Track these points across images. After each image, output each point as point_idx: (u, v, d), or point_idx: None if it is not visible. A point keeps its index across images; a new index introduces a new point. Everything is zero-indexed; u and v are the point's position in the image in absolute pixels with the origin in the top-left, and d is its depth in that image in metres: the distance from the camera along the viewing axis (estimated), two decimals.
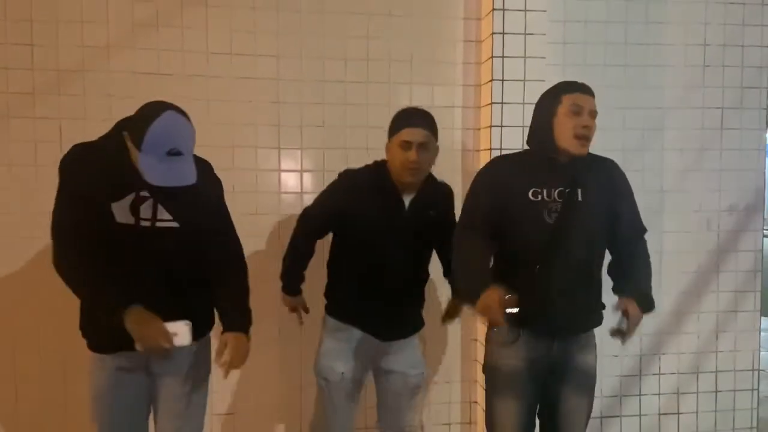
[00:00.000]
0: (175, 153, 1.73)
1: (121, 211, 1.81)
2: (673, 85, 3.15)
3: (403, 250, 2.20)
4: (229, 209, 2.75)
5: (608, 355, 3.13)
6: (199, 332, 1.97)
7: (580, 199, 1.99)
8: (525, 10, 2.80)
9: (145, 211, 1.83)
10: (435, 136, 2.20)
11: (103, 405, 1.93)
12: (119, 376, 1.91)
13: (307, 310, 2.45)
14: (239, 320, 1.95)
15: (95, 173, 1.80)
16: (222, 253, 1.99)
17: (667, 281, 3.17)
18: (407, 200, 2.20)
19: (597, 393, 3.01)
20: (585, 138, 1.97)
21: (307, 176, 2.92)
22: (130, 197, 1.82)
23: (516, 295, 1.94)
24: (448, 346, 3.05)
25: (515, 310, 1.97)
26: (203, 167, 1.99)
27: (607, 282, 2.12)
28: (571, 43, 3.04)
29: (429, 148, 2.16)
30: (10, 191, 2.70)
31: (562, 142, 1.98)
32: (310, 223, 2.36)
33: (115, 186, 1.81)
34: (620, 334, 2.02)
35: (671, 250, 3.18)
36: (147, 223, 1.83)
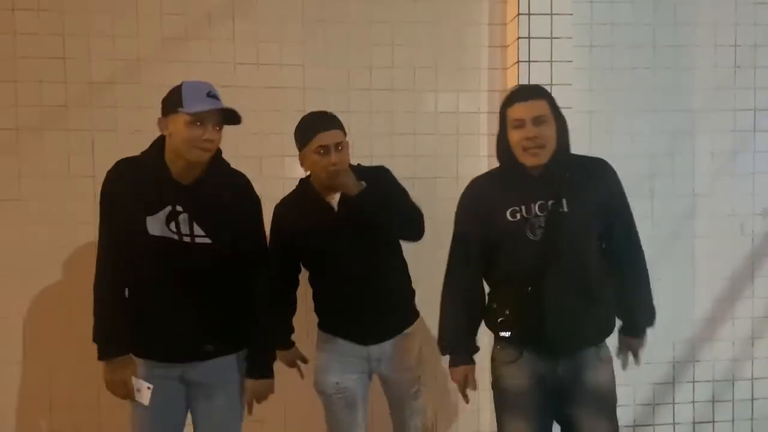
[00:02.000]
0: (213, 95, 1.86)
1: (155, 225, 1.85)
2: (703, 87, 3.10)
3: (349, 250, 2.11)
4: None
5: (641, 362, 3.08)
6: (232, 347, 2.01)
7: (565, 209, 1.89)
8: (551, 14, 2.79)
9: (179, 225, 1.87)
10: (344, 132, 2.13)
11: (140, 411, 1.96)
12: (154, 383, 1.94)
13: (305, 361, 2.40)
14: (259, 367, 2.02)
15: (132, 188, 1.86)
16: (251, 280, 2.00)
17: (700, 287, 3.12)
18: (334, 202, 2.14)
19: (630, 402, 3.01)
20: (535, 147, 1.88)
21: None
22: (165, 211, 1.86)
23: (510, 315, 1.96)
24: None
25: (507, 334, 1.99)
26: (242, 183, 2.03)
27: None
28: (598, 47, 3.01)
29: (345, 146, 2.10)
30: (44, 203, 2.76)
31: (518, 156, 1.92)
32: (273, 270, 2.20)
33: (151, 200, 1.86)
34: (624, 361, 2.10)
35: (704, 256, 3.12)
36: (180, 237, 1.87)
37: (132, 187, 1.87)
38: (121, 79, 2.78)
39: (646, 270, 2.05)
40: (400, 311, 2.27)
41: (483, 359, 3.03)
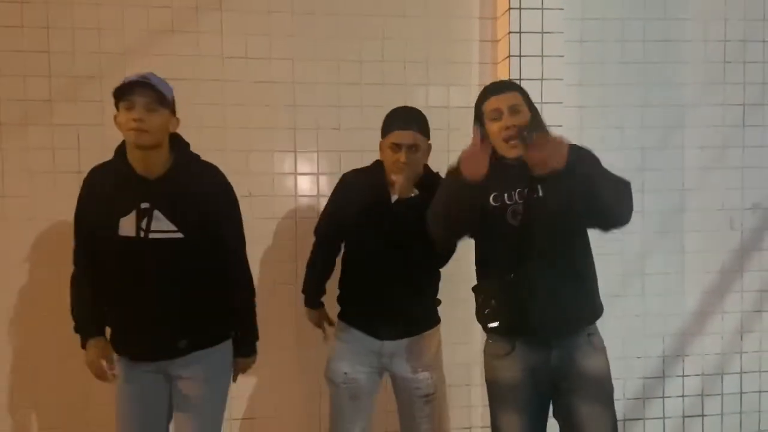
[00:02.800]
0: (143, 79, 1.85)
1: (126, 226, 1.86)
2: (693, 82, 3.10)
3: (392, 247, 2.15)
4: (246, 213, 2.75)
5: (631, 357, 3.09)
6: (215, 339, 2.02)
7: (540, 194, 1.92)
8: (542, 9, 2.78)
9: (150, 222, 1.87)
10: (426, 136, 2.20)
11: (124, 405, 1.97)
12: (139, 377, 1.97)
13: (331, 323, 2.45)
14: (247, 349, 2.11)
15: (104, 192, 1.89)
16: (230, 270, 2.04)
17: (690, 281, 3.13)
18: (394, 197, 2.18)
19: (620, 395, 3.02)
20: (513, 137, 1.89)
21: (323, 179, 2.91)
22: (134, 211, 1.86)
23: (495, 305, 1.96)
24: (467, 348, 3.01)
25: (495, 324, 1.98)
26: (209, 175, 2.01)
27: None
28: (589, 41, 3.01)
29: (419, 149, 2.15)
30: (29, 198, 2.71)
31: (498, 148, 1.94)
32: (320, 233, 2.41)
33: (121, 201, 1.87)
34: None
35: (694, 250, 3.13)
36: (151, 235, 1.87)
37: (103, 191, 1.90)
38: (107, 72, 2.73)
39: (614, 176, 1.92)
40: (421, 314, 2.29)
41: (477, 354, 3.04)
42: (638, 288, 3.09)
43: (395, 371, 2.25)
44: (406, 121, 2.16)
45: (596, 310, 2.04)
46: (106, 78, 2.72)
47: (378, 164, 2.28)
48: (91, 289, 1.96)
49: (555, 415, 2.06)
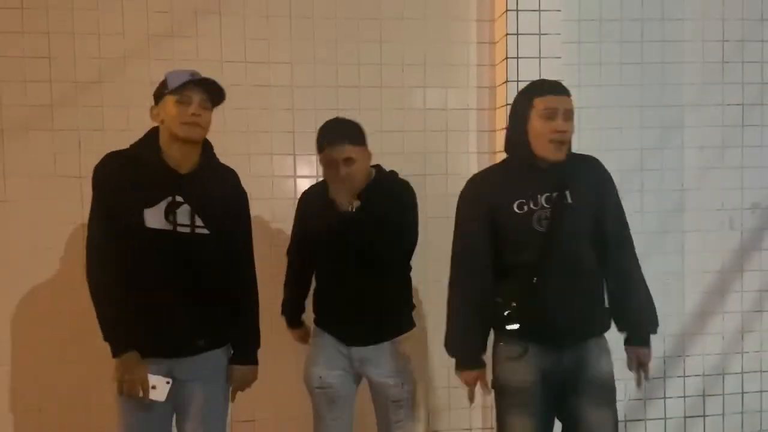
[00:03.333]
0: (195, 75, 1.91)
1: (153, 217, 1.85)
2: (692, 82, 3.11)
3: (348, 260, 2.12)
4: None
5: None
6: (221, 341, 2.03)
7: (569, 201, 1.92)
8: (539, 11, 2.79)
9: (179, 216, 1.87)
10: (361, 144, 2.12)
11: (128, 407, 1.94)
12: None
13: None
14: (245, 354, 2.06)
15: (128, 180, 1.86)
16: (239, 273, 2.05)
17: (690, 281, 3.13)
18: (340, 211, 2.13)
19: (621, 396, 2.99)
20: (561, 142, 1.90)
21: None
22: (164, 203, 1.86)
23: (516, 308, 1.96)
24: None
25: (516, 326, 1.98)
26: (232, 177, 2.07)
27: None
28: (587, 42, 3.01)
29: (354, 160, 2.08)
30: (30, 203, 2.73)
31: (537, 148, 1.92)
32: (289, 252, 2.44)
33: (148, 192, 1.86)
34: (638, 377, 2.09)
35: (693, 250, 3.13)
36: (180, 229, 1.87)
37: (128, 179, 1.86)
38: (108, 77, 2.75)
39: (642, 274, 2.05)
40: (389, 320, 2.23)
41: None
42: None
43: (368, 375, 2.24)
44: (337, 134, 2.09)
45: (607, 322, 2.07)
46: (107, 83, 2.76)
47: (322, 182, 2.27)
48: (123, 290, 1.84)
49: (558, 415, 2.08)
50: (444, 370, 2.91)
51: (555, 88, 1.95)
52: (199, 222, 1.90)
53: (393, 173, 2.26)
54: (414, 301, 2.33)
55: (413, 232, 2.19)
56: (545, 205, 1.92)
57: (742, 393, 3.21)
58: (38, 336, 2.76)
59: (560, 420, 2.09)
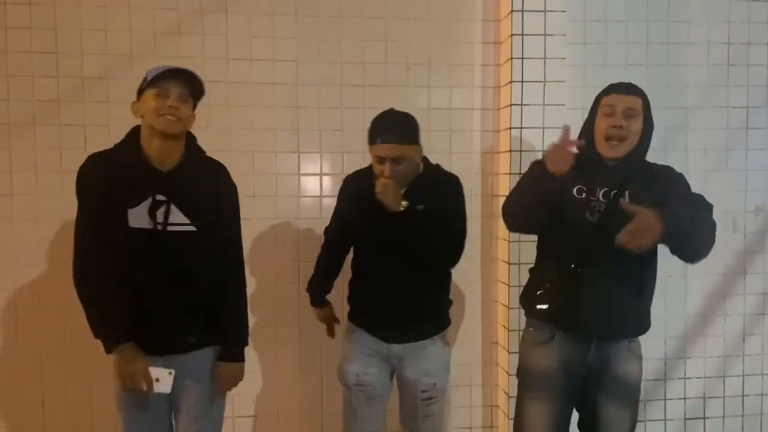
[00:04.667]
0: (174, 70, 1.88)
1: (137, 216, 1.83)
2: (697, 84, 3.10)
3: (394, 253, 2.12)
4: (250, 213, 2.79)
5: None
6: (214, 337, 2.01)
7: (626, 200, 1.93)
8: (544, 11, 2.79)
9: (162, 214, 1.85)
10: (414, 142, 2.12)
11: (127, 404, 1.94)
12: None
13: (337, 321, 2.51)
14: (232, 351, 2.02)
15: (111, 181, 1.84)
16: (227, 268, 2.01)
17: (692, 284, 3.13)
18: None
19: None
20: (616, 138, 1.94)
21: (326, 180, 2.93)
22: (147, 202, 1.85)
23: (550, 289, 1.98)
24: (468, 349, 3.03)
25: (545, 306, 2.00)
26: (219, 170, 2.04)
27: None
28: (592, 43, 3.01)
29: (404, 158, 2.08)
30: (36, 197, 2.75)
31: (598, 146, 1.98)
32: (327, 232, 2.46)
33: (131, 192, 1.84)
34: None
35: None
36: (164, 227, 1.86)
37: (110, 180, 1.84)
38: (114, 74, 2.77)
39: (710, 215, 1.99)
40: (429, 318, 2.26)
41: (477, 355, 3.05)
42: None
43: (404, 373, 2.24)
44: (390, 132, 2.08)
45: (642, 327, 2.06)
46: (113, 79, 2.77)
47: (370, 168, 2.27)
48: (113, 286, 1.83)
49: (578, 407, 2.10)
50: None
51: (622, 88, 2.01)
52: (184, 219, 1.87)
53: (438, 167, 2.27)
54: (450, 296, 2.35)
55: (461, 228, 2.19)
56: (602, 199, 1.96)
57: (743, 396, 3.21)
58: (42, 330, 2.78)
59: (578, 411, 2.11)
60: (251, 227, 2.86)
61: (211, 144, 2.76)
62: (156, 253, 1.86)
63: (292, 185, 2.92)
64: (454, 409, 3.05)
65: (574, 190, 1.98)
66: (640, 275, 2.01)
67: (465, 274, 2.98)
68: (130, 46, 2.78)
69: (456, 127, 2.96)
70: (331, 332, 2.54)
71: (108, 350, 1.86)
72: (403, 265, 2.14)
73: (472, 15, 2.97)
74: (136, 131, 1.94)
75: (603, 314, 1.95)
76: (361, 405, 2.24)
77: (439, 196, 2.14)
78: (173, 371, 1.89)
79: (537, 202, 1.92)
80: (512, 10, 2.79)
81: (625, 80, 2.97)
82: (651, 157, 3.02)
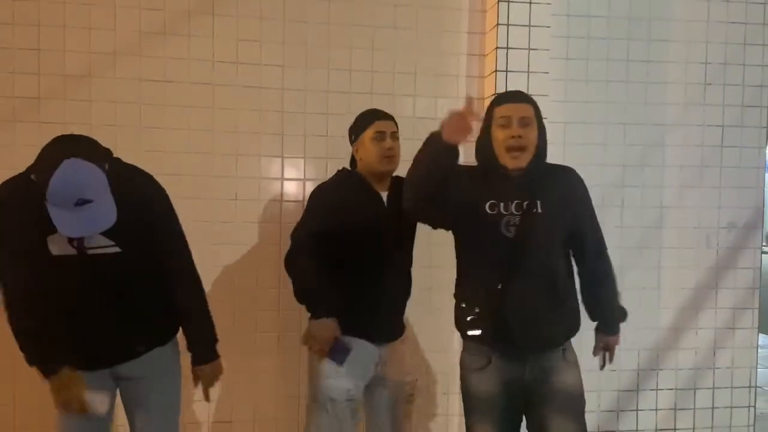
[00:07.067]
0: (82, 203, 1.62)
1: (57, 244, 1.74)
2: (674, 102, 3.18)
3: (392, 243, 2.19)
4: (232, 216, 2.77)
5: (606, 369, 3.13)
6: (162, 339, 1.99)
7: (539, 210, 1.94)
8: (529, 26, 2.84)
9: (84, 239, 1.75)
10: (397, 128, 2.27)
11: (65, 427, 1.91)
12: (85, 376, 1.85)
13: (339, 338, 2.16)
14: (204, 353, 1.98)
15: (25, 210, 1.71)
16: (176, 278, 1.94)
17: (665, 297, 3.20)
18: (383, 195, 2.22)
19: (594, 407, 3.06)
20: (517, 149, 1.92)
21: (309, 185, 2.92)
22: None
23: (479, 313, 1.97)
24: (445, 357, 3.05)
25: (478, 332, 1.99)
26: (138, 181, 1.89)
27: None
28: (574, 59, 3.07)
29: (398, 138, 2.22)
30: None
31: (499, 157, 1.95)
32: (304, 243, 2.18)
33: (47, 219, 1.66)
34: (602, 360, 2.18)
35: (670, 266, 3.19)
36: (89, 251, 1.77)
37: (25, 209, 1.70)
38: (97, 72, 2.74)
39: (613, 272, 2.14)
40: (403, 314, 2.31)
41: (454, 363, 3.06)
42: None
43: (386, 376, 2.23)
44: (384, 113, 2.23)
45: (573, 329, 2.07)
46: (96, 78, 2.74)
47: (344, 173, 2.27)
48: (47, 314, 1.77)
49: (527, 426, 2.09)
50: (423, 377, 2.94)
51: (512, 97, 2.01)
52: (107, 242, 1.77)
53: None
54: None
55: None
56: (515, 212, 1.94)
57: (713, 408, 3.28)
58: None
59: (528, 429, 2.10)
60: (233, 230, 2.85)
61: (194, 146, 2.75)
62: (82, 278, 1.78)
63: (275, 189, 2.92)
64: (431, 417, 3.06)
65: (486, 206, 1.94)
66: (560, 278, 2.00)
67: (443, 281, 2.99)
68: (114, 45, 2.76)
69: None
70: (326, 352, 2.14)
71: (45, 375, 1.80)
72: (399, 258, 2.22)
73: (459, 27, 3.00)
74: (47, 153, 1.73)
75: (534, 329, 1.94)
76: (348, 420, 2.17)
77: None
78: (108, 395, 1.90)
79: (428, 173, 1.84)
80: (498, 24, 2.83)
81: (606, 97, 3.08)
82: (629, 173, 3.13)
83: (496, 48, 2.84)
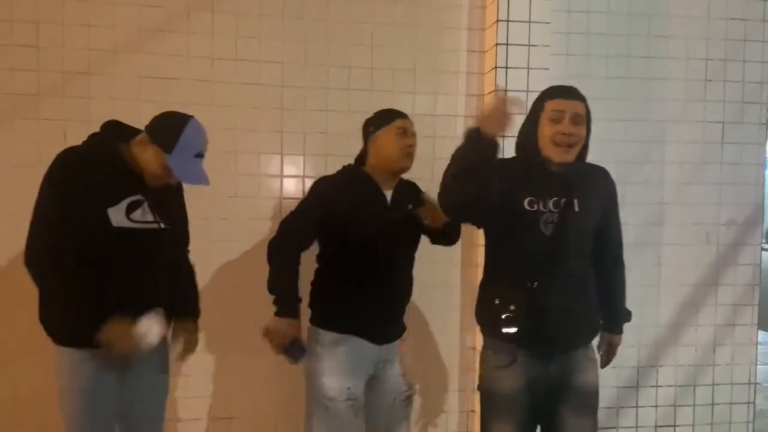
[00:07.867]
0: (200, 155, 1.91)
1: (117, 216, 1.86)
2: (675, 99, 3.17)
3: (394, 243, 2.20)
4: (231, 213, 2.78)
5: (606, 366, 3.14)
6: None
7: (577, 209, 1.93)
8: (529, 22, 2.83)
9: (141, 214, 1.90)
10: None
11: (84, 403, 1.92)
12: (102, 374, 1.90)
13: (300, 341, 2.15)
14: (188, 307, 2.12)
15: (90, 179, 1.83)
16: (183, 255, 2.17)
17: (665, 294, 3.19)
18: (388, 195, 2.23)
19: None
20: (566, 145, 1.90)
21: (309, 182, 2.89)
22: (125, 201, 1.87)
23: (515, 311, 1.94)
24: (446, 354, 3.05)
25: (513, 330, 1.95)
26: None
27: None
28: (574, 55, 3.07)
29: (416, 137, 2.27)
30: (13, 192, 2.69)
31: (544, 150, 1.92)
32: (295, 235, 2.20)
33: (110, 191, 1.86)
34: (604, 359, 2.20)
35: (670, 263, 3.19)
36: (143, 226, 1.90)
37: (91, 179, 1.83)
38: (96, 69, 2.74)
39: (625, 276, 2.18)
40: (404, 314, 2.32)
41: (453, 361, 3.07)
42: None
43: (385, 376, 2.23)
44: (405, 114, 2.27)
45: (596, 329, 2.12)
46: (95, 74, 2.74)
47: (350, 168, 2.29)
48: (91, 290, 1.81)
49: (540, 421, 2.08)
50: (422, 375, 2.94)
51: (566, 92, 1.95)
52: (158, 218, 1.94)
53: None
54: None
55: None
56: (553, 209, 1.92)
57: (713, 404, 3.28)
58: (16, 327, 2.73)
59: (540, 425, 2.10)
60: (232, 227, 2.85)
61: None
62: (135, 252, 1.88)
63: (275, 186, 2.92)
64: (430, 414, 3.06)
65: (525, 203, 1.91)
66: (590, 277, 2.02)
67: (444, 280, 3.00)
68: (114, 42, 2.76)
69: (440, 133, 2.98)
70: (282, 348, 2.12)
71: (78, 344, 1.87)
72: (402, 256, 2.24)
73: (458, 24, 3.00)
74: (110, 127, 1.97)
75: (565, 328, 1.94)
76: (351, 419, 2.13)
77: (416, 198, 2.29)
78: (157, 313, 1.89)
79: (473, 169, 1.79)
80: (497, 20, 2.82)
81: (606, 93, 3.07)
82: (629, 170, 3.13)
83: (496, 44, 2.83)
